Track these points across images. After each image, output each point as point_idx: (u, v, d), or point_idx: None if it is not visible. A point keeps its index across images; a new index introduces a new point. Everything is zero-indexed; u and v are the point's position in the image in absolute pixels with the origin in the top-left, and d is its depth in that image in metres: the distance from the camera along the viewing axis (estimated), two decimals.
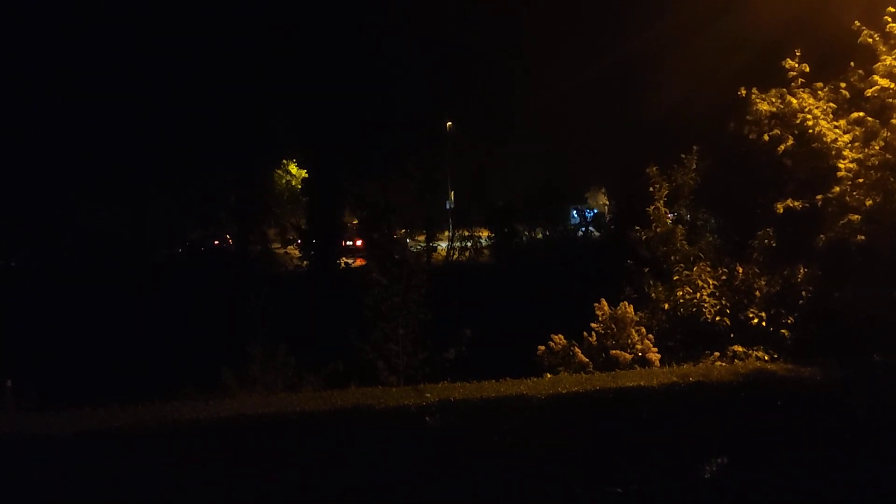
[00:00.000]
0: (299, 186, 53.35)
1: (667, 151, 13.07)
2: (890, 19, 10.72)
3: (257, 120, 42.49)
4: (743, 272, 11.50)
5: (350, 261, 42.83)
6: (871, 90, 10.84)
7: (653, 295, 11.94)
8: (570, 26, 39.30)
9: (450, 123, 47.26)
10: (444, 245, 46.37)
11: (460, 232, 45.62)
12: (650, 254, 12.35)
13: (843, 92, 11.29)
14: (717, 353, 10.90)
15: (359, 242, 47.01)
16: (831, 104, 11.28)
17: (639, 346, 10.87)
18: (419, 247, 37.84)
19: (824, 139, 10.95)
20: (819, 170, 11.16)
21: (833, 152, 10.93)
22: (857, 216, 10.60)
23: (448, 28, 40.90)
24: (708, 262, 11.87)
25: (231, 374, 11.39)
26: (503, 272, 37.76)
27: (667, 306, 11.71)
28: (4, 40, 33.88)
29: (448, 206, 48.44)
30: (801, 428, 9.11)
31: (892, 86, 10.58)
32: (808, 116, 11.09)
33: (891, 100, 10.67)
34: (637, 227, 12.57)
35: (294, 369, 11.74)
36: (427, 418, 8.47)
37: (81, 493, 7.69)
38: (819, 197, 10.97)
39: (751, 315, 11.13)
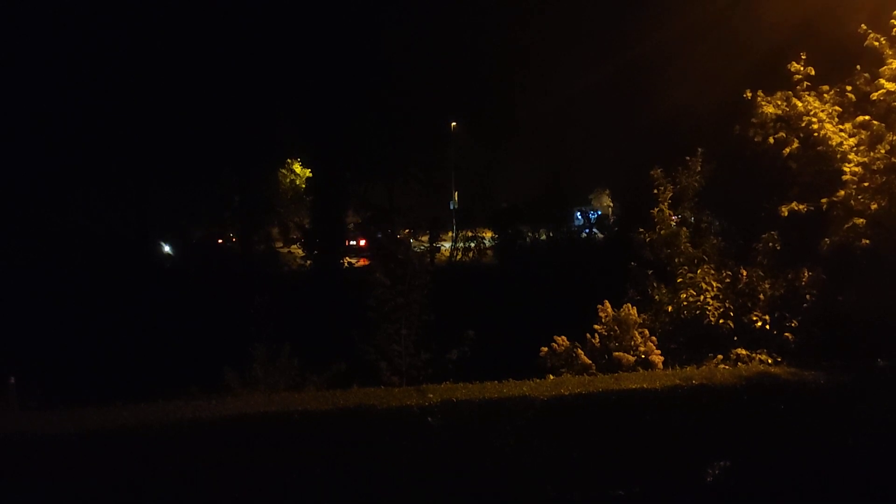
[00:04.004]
0: (303, 186, 53.44)
1: (671, 154, 13.05)
2: None
3: (262, 119, 42.53)
4: (747, 275, 11.48)
5: (353, 261, 42.87)
6: (877, 94, 10.84)
7: (656, 297, 11.94)
8: (576, 29, 39.35)
9: (454, 124, 47.27)
10: (447, 246, 46.38)
11: (464, 233, 45.63)
12: (654, 256, 12.34)
13: (849, 95, 11.27)
14: (720, 356, 10.89)
15: (362, 242, 47.13)
16: (837, 107, 11.27)
17: (642, 349, 10.87)
18: (423, 247, 37.85)
19: (829, 142, 10.94)
20: (824, 173, 11.14)
21: (838, 156, 10.91)
22: (862, 220, 10.58)
23: (454, 29, 40.95)
24: (712, 265, 11.86)
25: (234, 373, 11.40)
26: (506, 273, 37.76)
27: (670, 308, 11.70)
28: (9, 34, 33.99)
29: (452, 207, 48.48)
30: (804, 431, 9.08)
31: None
32: (814, 119, 11.08)
33: None
34: (641, 230, 12.56)
35: (297, 369, 11.74)
36: (429, 419, 8.47)
37: (85, 493, 7.71)
38: (824, 200, 10.96)
39: (754, 318, 11.12)
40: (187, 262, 42.31)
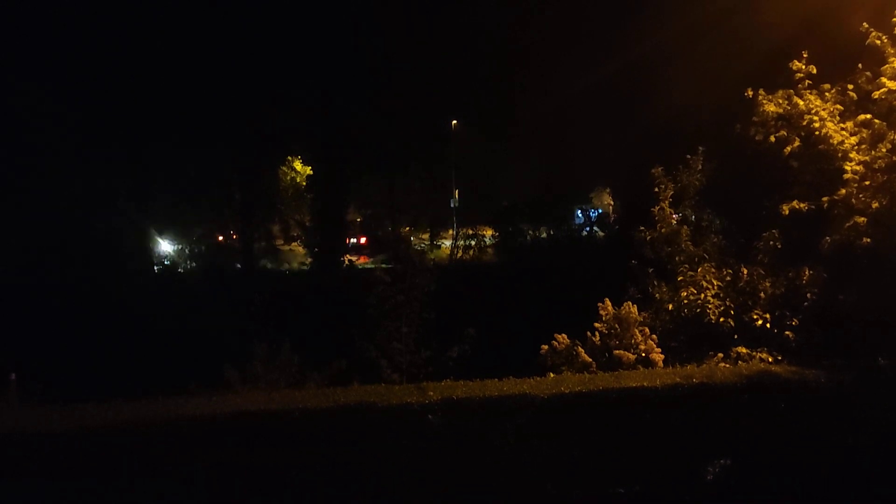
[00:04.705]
0: (304, 183, 53.40)
1: (672, 152, 13.05)
2: None
3: (263, 117, 42.54)
4: (748, 273, 11.48)
5: (354, 258, 42.90)
6: (878, 92, 10.83)
7: (657, 295, 11.93)
8: (577, 27, 39.32)
9: (455, 122, 47.29)
10: (448, 244, 46.39)
11: (464, 230, 45.63)
12: (654, 254, 12.34)
13: (851, 94, 11.26)
14: (720, 355, 10.88)
15: (363, 240, 47.17)
16: (838, 106, 11.26)
17: (642, 347, 10.87)
18: (423, 245, 37.87)
19: (831, 141, 10.93)
20: (825, 172, 11.14)
21: (839, 154, 10.91)
22: (863, 219, 10.58)
23: (454, 29, 40.96)
24: (713, 263, 11.86)
25: (234, 371, 11.41)
26: (507, 271, 37.69)
27: (671, 307, 11.70)
28: (10, 29, 34.01)
29: (452, 205, 48.50)
30: (804, 430, 9.08)
31: None
32: (815, 118, 11.08)
33: None
34: (642, 228, 12.55)
35: (297, 367, 11.75)
36: (430, 416, 8.47)
37: (85, 490, 7.71)
38: (825, 199, 10.96)
39: (755, 316, 11.11)
40: (188, 259, 42.36)
